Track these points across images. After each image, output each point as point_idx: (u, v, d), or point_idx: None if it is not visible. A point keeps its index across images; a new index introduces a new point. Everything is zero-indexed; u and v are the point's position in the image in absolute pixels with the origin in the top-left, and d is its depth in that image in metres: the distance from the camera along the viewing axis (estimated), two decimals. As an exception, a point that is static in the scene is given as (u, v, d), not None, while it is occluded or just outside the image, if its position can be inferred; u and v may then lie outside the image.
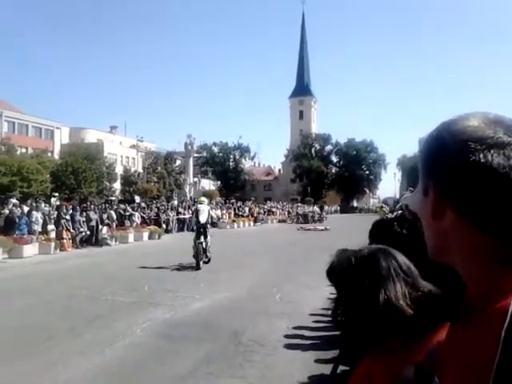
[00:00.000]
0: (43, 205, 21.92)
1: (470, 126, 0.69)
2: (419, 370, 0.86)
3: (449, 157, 0.68)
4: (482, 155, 0.65)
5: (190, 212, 31.40)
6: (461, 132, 0.69)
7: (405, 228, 2.00)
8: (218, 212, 35.85)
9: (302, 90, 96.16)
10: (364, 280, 1.10)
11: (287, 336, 6.30)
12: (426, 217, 0.74)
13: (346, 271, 1.16)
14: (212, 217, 16.26)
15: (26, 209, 19.81)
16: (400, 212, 8.80)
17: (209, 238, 14.06)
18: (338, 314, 1.16)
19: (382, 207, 23.16)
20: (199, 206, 14.49)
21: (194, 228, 14.62)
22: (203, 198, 15.82)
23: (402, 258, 1.16)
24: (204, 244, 13.55)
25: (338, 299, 1.17)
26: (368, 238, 2.21)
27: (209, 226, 14.46)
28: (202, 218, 13.78)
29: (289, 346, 5.91)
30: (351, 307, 1.12)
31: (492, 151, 0.65)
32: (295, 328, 6.36)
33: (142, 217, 26.07)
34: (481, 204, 0.66)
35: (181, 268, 13.22)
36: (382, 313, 1.04)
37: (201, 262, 13.24)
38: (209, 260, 13.83)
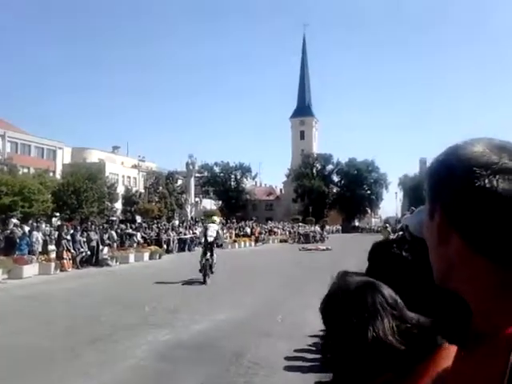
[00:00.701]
0: (44, 225, 21.93)
1: (475, 152, 0.69)
2: None
3: (455, 181, 0.69)
4: (487, 180, 0.66)
5: (191, 232, 31.43)
6: (467, 157, 0.69)
7: (404, 250, 2.00)
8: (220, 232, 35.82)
9: (302, 110, 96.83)
10: (351, 317, 1.09)
11: (288, 358, 6.23)
12: (432, 241, 0.74)
13: (332, 308, 1.16)
14: (220, 235, 16.91)
15: (26, 229, 19.81)
16: (401, 232, 8.78)
17: (215, 255, 15.10)
18: (326, 351, 1.16)
19: (385, 227, 23.10)
20: (209, 224, 15.66)
21: (202, 246, 15.65)
22: (215, 218, 17.02)
23: (388, 292, 1.16)
24: (210, 261, 14.61)
25: (326, 336, 1.17)
26: (367, 259, 2.20)
27: (215, 244, 15.48)
28: (210, 237, 14.81)
29: (289, 368, 5.85)
30: (339, 344, 1.12)
31: (497, 177, 0.66)
32: (296, 350, 6.29)
33: (142, 237, 26.03)
34: (486, 230, 0.66)
35: (181, 288, 13.15)
36: (371, 349, 1.04)
37: (207, 278, 14.13)
38: (210, 274, 14.67)
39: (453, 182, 0.70)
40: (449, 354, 0.75)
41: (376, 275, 2.03)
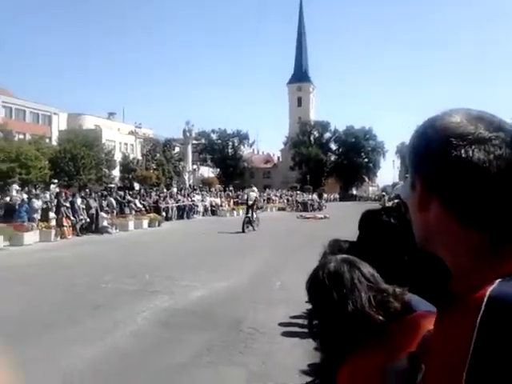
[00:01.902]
0: (43, 192, 21.89)
1: (452, 123, 0.72)
2: (412, 359, 0.91)
3: (433, 152, 0.72)
4: (463, 150, 0.69)
5: (190, 200, 31.51)
6: (444, 128, 0.72)
7: (392, 217, 2.05)
8: (218, 200, 35.91)
9: (300, 76, 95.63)
10: (332, 293, 1.19)
11: (287, 324, 6.36)
12: (414, 209, 0.78)
13: (315, 286, 1.26)
14: (258, 200, 24.47)
15: (25, 196, 19.82)
16: (396, 200, 8.82)
17: (255, 215, 21.68)
18: (312, 326, 1.27)
19: (383, 196, 23.27)
20: (250, 192, 22.83)
21: (245, 207, 23.55)
22: (254, 188, 23.89)
23: (364, 267, 1.27)
24: (250, 217, 20.98)
25: (311, 312, 1.28)
26: (358, 227, 2.26)
27: (255, 206, 22.15)
28: (250, 201, 21.50)
29: (288, 334, 5.97)
30: (324, 319, 1.22)
31: (473, 147, 0.69)
32: (294, 317, 6.41)
33: (142, 204, 26.10)
34: (463, 197, 0.70)
35: (180, 256, 13.29)
36: (352, 320, 1.14)
37: (246, 229, 20.17)
38: (254, 228, 20.83)
39: (431, 152, 0.73)
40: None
41: (366, 242, 2.08)
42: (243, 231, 19.82)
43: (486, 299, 0.63)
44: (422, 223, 0.77)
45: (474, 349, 0.60)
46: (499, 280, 0.65)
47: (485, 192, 0.69)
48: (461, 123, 0.72)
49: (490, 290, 0.64)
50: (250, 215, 20.97)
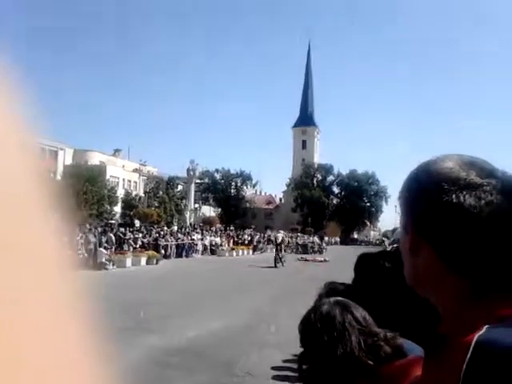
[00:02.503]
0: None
1: (445, 168, 0.73)
2: None
3: (425, 196, 0.73)
4: (454, 196, 0.70)
5: (190, 238, 31.43)
6: (436, 173, 0.73)
7: (387, 261, 2.06)
8: (218, 239, 35.80)
9: (305, 119, 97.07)
10: (323, 336, 1.19)
11: (279, 368, 6.23)
12: (405, 252, 0.79)
13: (307, 329, 1.26)
14: (284, 240, 29.58)
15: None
16: (395, 245, 8.82)
17: (283, 252, 26.84)
18: (302, 369, 1.26)
19: (383, 241, 23.24)
20: (277, 234, 29.07)
21: (274, 246, 28.83)
22: (281, 231, 30.18)
23: (357, 310, 1.31)
24: (280, 255, 25.71)
25: (302, 354, 1.27)
26: (353, 270, 2.27)
27: (282, 245, 27.42)
28: (278, 240, 27.03)
29: (281, 378, 5.85)
30: (314, 362, 1.22)
31: (464, 192, 0.70)
32: (287, 361, 6.28)
33: (141, 241, 26.04)
34: (453, 243, 0.70)
35: (177, 294, 13.13)
36: (342, 364, 1.14)
37: (278, 264, 24.58)
38: (282, 264, 25.23)
39: (423, 196, 0.74)
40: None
41: (361, 284, 2.08)
42: (275, 266, 24.28)
43: (473, 344, 0.63)
44: (413, 266, 0.78)
45: None
46: (487, 326, 0.65)
47: (474, 238, 0.69)
48: (453, 169, 0.73)
49: (477, 335, 0.64)
50: (279, 253, 26.05)
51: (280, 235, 27.83)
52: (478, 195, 0.70)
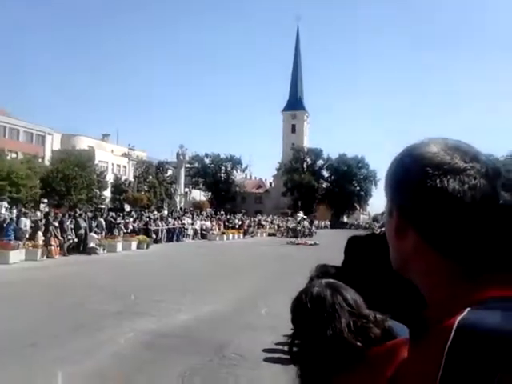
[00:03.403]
0: (32, 211, 21.75)
1: (429, 152, 0.74)
2: None
3: (409, 181, 0.74)
4: (438, 180, 0.71)
5: (180, 222, 31.39)
6: (421, 157, 0.74)
7: (376, 243, 2.09)
8: (208, 223, 35.79)
9: (294, 103, 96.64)
10: (313, 317, 1.21)
11: (271, 350, 6.29)
12: (390, 236, 0.80)
13: (298, 309, 1.28)
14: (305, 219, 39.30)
15: (13, 214, 19.67)
16: (383, 229, 8.91)
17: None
18: (293, 348, 1.28)
19: (373, 223, 23.40)
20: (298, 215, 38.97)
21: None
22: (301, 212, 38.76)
23: (348, 292, 1.30)
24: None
25: (293, 334, 1.29)
26: (343, 252, 2.31)
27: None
28: (298, 219, 36.28)
29: (272, 360, 5.90)
30: (304, 341, 1.24)
31: (448, 176, 0.70)
32: (279, 343, 6.35)
33: (131, 225, 25.98)
34: (438, 227, 0.71)
35: (167, 278, 13.17)
36: (331, 344, 1.15)
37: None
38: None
39: (407, 181, 0.74)
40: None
41: (350, 266, 2.11)
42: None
43: (454, 327, 0.63)
44: (398, 250, 0.79)
45: (441, 376, 0.61)
46: (469, 308, 0.66)
47: (458, 222, 0.70)
48: (437, 153, 0.73)
49: (459, 318, 0.64)
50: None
51: (299, 215, 39.83)
52: (462, 179, 0.70)
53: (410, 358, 0.73)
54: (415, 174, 0.73)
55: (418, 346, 0.70)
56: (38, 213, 21.57)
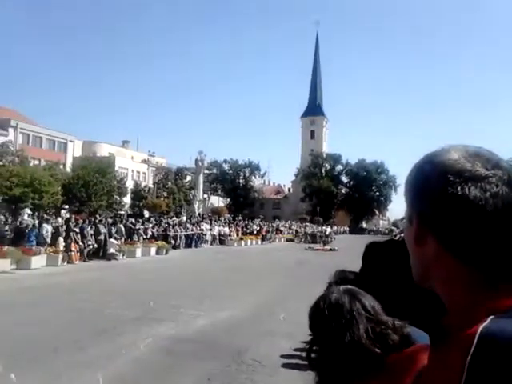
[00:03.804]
0: (54, 217, 22.09)
1: (450, 159, 0.73)
2: None
3: (430, 188, 0.73)
4: (459, 188, 0.70)
5: (198, 228, 31.53)
6: (441, 165, 0.73)
7: (395, 249, 2.06)
8: (226, 229, 35.87)
9: (313, 109, 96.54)
10: (331, 324, 1.20)
11: (289, 356, 6.27)
12: (411, 244, 0.79)
13: (316, 316, 1.27)
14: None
15: (36, 221, 20.01)
16: (403, 234, 8.82)
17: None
18: (311, 354, 1.27)
19: (391, 230, 23.16)
20: (325, 228, 38.66)
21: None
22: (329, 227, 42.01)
23: (365, 298, 1.30)
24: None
25: (311, 340, 1.28)
26: (361, 259, 2.28)
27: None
28: (327, 233, 34.93)
29: (290, 366, 5.88)
30: (323, 348, 1.23)
31: (469, 184, 0.69)
32: (297, 349, 6.32)
33: (150, 231, 26.20)
34: (459, 234, 0.70)
35: (187, 284, 13.22)
36: (349, 351, 1.15)
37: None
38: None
39: (428, 188, 0.73)
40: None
41: (368, 273, 2.09)
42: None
43: (477, 336, 0.63)
44: (419, 257, 0.78)
45: None
46: (492, 317, 0.65)
47: (480, 230, 0.69)
48: (458, 160, 0.72)
49: (481, 326, 0.64)
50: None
51: (328, 229, 44.34)
52: (484, 187, 0.69)
53: (431, 365, 0.72)
54: (436, 181, 0.72)
55: (439, 352, 0.69)
56: (59, 219, 21.87)
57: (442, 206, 0.71)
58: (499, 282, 0.70)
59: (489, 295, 0.69)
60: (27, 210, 23.24)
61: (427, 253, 0.75)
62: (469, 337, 0.63)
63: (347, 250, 25.70)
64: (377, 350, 1.13)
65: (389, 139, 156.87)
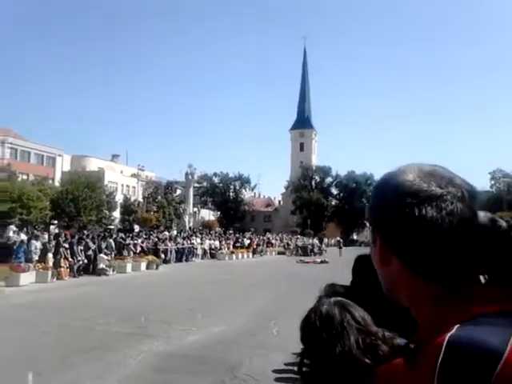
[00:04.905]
0: (42, 233, 21.90)
1: (406, 181, 0.76)
2: None
3: (389, 210, 0.76)
4: (416, 209, 0.73)
5: (189, 242, 31.39)
6: (398, 187, 0.76)
7: None
8: (217, 243, 35.75)
9: (302, 122, 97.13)
10: (322, 335, 1.20)
11: (282, 371, 6.22)
12: (376, 264, 0.83)
13: (307, 328, 1.28)
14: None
15: (24, 237, 19.81)
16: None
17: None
18: (302, 367, 1.28)
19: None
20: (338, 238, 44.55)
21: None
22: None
23: (356, 310, 1.31)
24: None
25: (302, 352, 1.29)
26: (351, 272, 2.31)
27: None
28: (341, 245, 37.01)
29: (283, 380, 5.84)
30: (314, 359, 1.23)
31: (426, 204, 0.73)
32: (288, 364, 6.29)
33: (140, 246, 26.01)
34: (419, 253, 0.74)
35: (177, 299, 13.13)
36: (340, 363, 1.15)
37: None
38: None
39: (386, 211, 0.76)
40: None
41: (358, 286, 2.10)
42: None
43: (444, 345, 0.65)
44: (385, 277, 0.82)
45: None
46: (458, 325, 0.67)
47: (438, 247, 0.72)
48: (414, 181, 0.75)
49: (448, 335, 0.66)
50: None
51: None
52: (439, 206, 0.72)
53: (403, 379, 0.74)
54: (393, 203, 0.75)
55: (410, 367, 0.72)
56: (46, 235, 21.66)
57: (402, 228, 0.74)
58: (462, 294, 0.73)
59: (454, 306, 0.72)
60: (12, 227, 23.02)
61: (392, 272, 0.78)
62: (437, 347, 0.66)
63: (338, 262, 25.76)
64: (367, 360, 1.14)
65: (378, 151, 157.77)
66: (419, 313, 0.77)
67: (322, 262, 31.17)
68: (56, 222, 37.22)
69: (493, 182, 65.19)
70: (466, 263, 0.74)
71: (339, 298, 1.35)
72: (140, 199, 52.98)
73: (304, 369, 1.28)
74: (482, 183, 65.87)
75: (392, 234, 0.76)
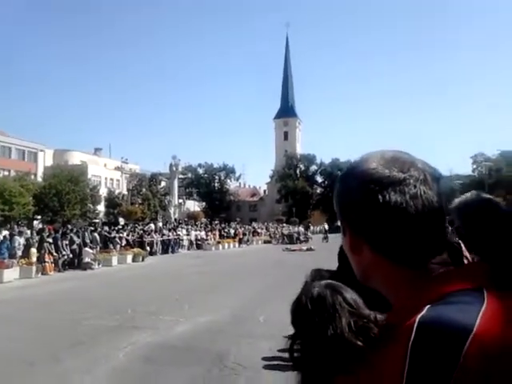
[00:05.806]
0: (26, 229, 21.66)
1: (368, 169, 0.77)
2: None
3: (354, 199, 0.77)
4: (380, 195, 0.74)
5: (175, 234, 31.30)
6: (361, 175, 0.77)
7: None
8: (203, 233, 35.71)
9: (286, 111, 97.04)
10: (313, 318, 1.19)
11: (270, 358, 6.27)
12: (348, 252, 0.84)
13: (298, 310, 1.27)
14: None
15: (6, 233, 19.55)
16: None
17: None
18: (293, 351, 1.27)
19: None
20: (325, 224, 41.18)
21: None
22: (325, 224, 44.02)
23: (348, 292, 1.29)
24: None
25: (293, 336, 1.29)
26: (337, 259, 2.33)
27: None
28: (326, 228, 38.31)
29: (272, 368, 5.89)
30: (305, 343, 1.23)
31: (389, 189, 0.74)
32: (278, 351, 6.34)
33: (125, 239, 25.87)
34: (387, 239, 0.75)
35: (164, 290, 13.11)
36: (332, 346, 1.14)
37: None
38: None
39: (352, 200, 0.78)
40: None
41: (344, 273, 2.11)
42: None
43: (415, 326, 0.66)
44: (358, 264, 0.83)
45: (407, 374, 0.64)
46: (428, 306, 0.69)
47: (405, 231, 0.73)
48: (376, 168, 0.76)
49: (419, 316, 0.67)
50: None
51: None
52: (402, 190, 0.73)
53: (377, 361, 0.76)
54: (358, 191, 0.76)
55: (384, 348, 0.74)
56: (28, 231, 21.38)
57: (368, 215, 0.75)
58: (433, 276, 0.74)
59: (424, 288, 0.73)
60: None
61: (364, 259, 0.80)
62: (408, 328, 0.67)
63: (324, 249, 25.93)
64: (359, 343, 1.14)
65: (362, 138, 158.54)
66: (393, 297, 0.78)
67: (308, 249, 31.31)
68: (39, 217, 36.83)
69: (475, 167, 65.96)
70: (436, 245, 0.75)
71: (330, 281, 1.35)
72: (124, 192, 52.62)
73: (295, 355, 1.28)
74: (467, 168, 66.94)
75: (360, 222, 0.77)
